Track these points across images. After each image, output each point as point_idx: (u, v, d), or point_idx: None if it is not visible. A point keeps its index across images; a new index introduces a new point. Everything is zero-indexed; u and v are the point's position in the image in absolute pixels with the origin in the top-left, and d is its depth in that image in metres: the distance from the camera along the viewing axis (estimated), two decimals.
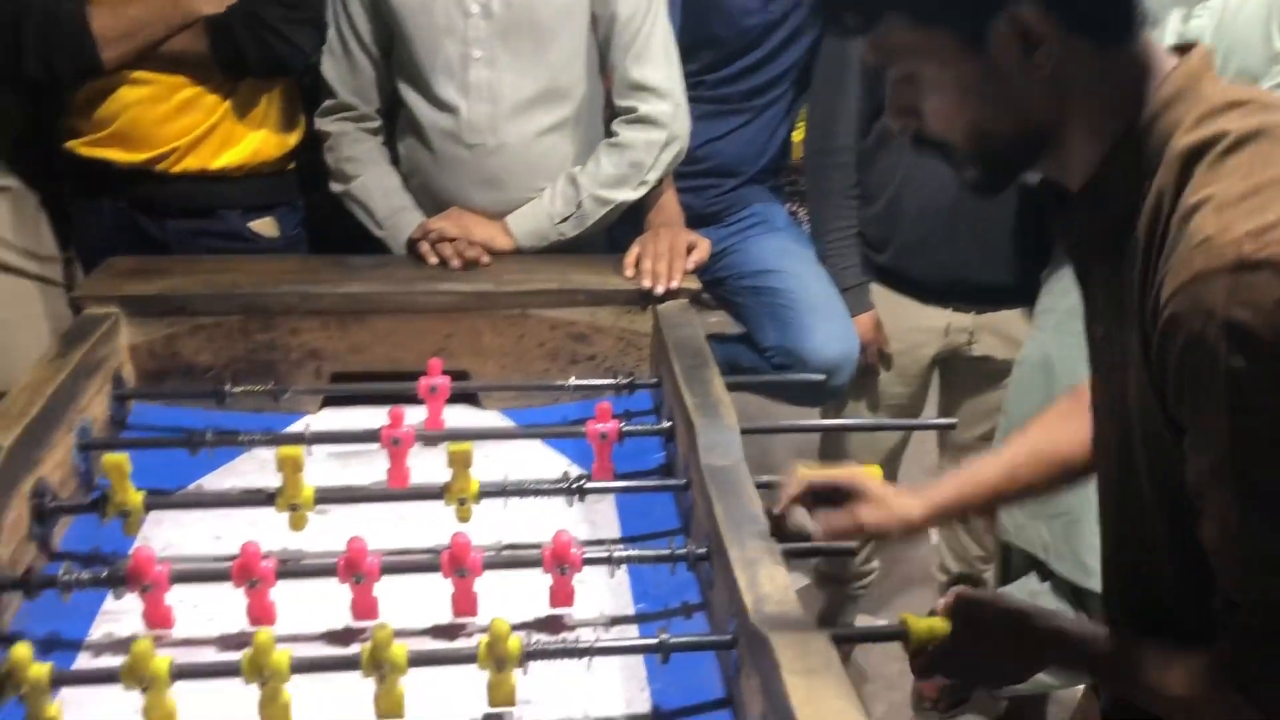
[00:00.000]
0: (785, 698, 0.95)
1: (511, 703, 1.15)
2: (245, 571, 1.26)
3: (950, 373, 2.48)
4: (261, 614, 1.28)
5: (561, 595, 1.32)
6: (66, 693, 1.17)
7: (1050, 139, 0.97)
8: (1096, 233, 0.99)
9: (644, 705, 1.20)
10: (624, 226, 2.05)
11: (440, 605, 1.31)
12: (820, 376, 2.09)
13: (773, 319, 2.24)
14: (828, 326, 2.21)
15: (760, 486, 1.38)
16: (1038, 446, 1.24)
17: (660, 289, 1.84)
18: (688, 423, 1.47)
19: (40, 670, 1.08)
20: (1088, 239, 1.01)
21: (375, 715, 1.13)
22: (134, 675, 1.09)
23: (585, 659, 1.16)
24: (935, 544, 2.85)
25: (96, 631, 1.30)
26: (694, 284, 1.89)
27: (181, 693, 1.14)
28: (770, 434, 2.25)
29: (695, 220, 2.14)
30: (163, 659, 1.10)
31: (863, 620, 2.83)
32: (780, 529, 1.24)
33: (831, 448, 2.56)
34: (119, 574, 1.26)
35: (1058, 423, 1.24)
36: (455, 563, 1.28)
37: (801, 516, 1.23)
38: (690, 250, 1.92)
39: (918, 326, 2.37)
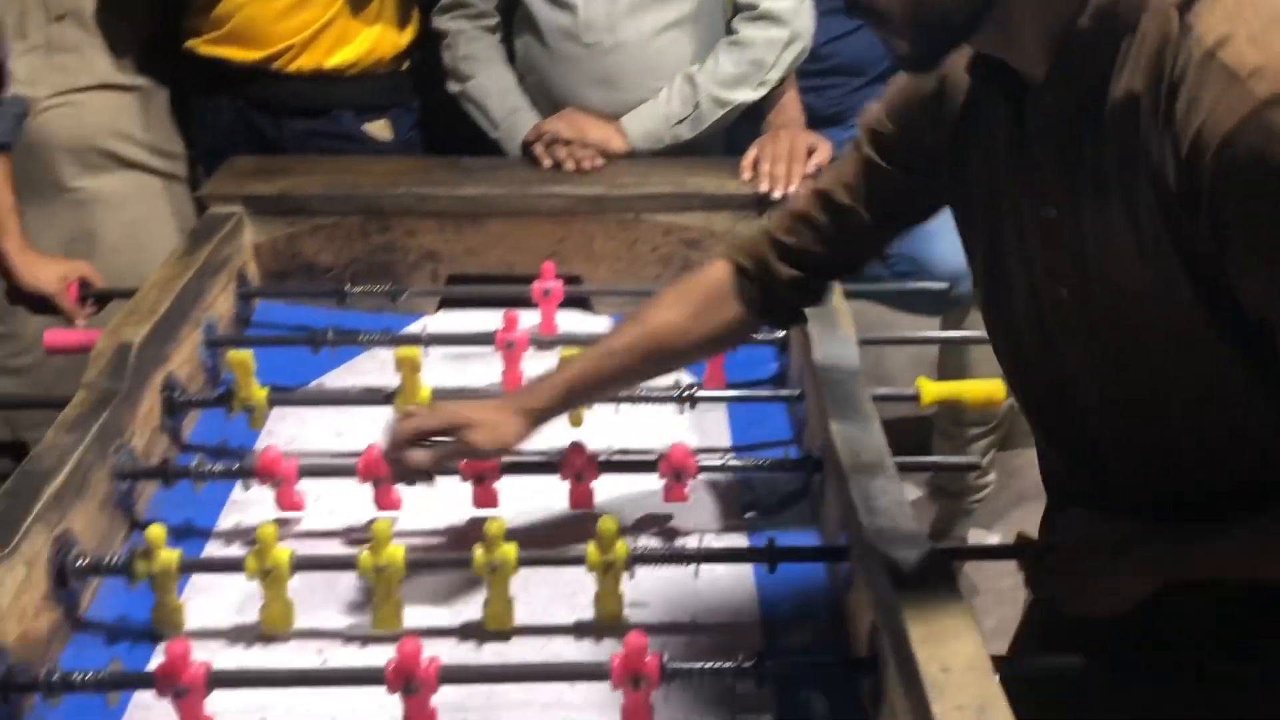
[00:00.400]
0: (896, 611, 0.94)
1: (618, 608, 1.16)
2: (370, 470, 1.28)
3: None
4: (388, 506, 1.31)
5: (675, 502, 1.32)
6: (196, 579, 1.22)
7: (993, 6, 0.89)
8: (1058, 106, 0.92)
9: (752, 614, 1.20)
10: (743, 128, 2.00)
11: (555, 509, 1.32)
12: (944, 285, 2.03)
13: None
14: (954, 233, 2.13)
15: (876, 399, 1.35)
16: (632, 337, 1.22)
17: (778, 193, 1.79)
18: (803, 332, 1.44)
19: (170, 556, 1.13)
20: (1048, 114, 0.94)
21: (484, 625, 1.16)
22: (257, 562, 1.12)
23: (692, 566, 1.16)
24: None
25: (225, 521, 1.35)
26: None
27: (299, 589, 1.18)
28: (889, 345, 2.20)
29: (817, 122, 2.07)
30: (283, 550, 1.14)
31: (975, 534, 2.78)
32: (400, 471, 1.24)
33: (951, 360, 2.49)
34: (248, 467, 1.30)
35: (658, 310, 1.22)
36: (572, 467, 1.29)
37: (418, 455, 1.22)
38: (811, 153, 1.86)
39: None
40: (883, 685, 0.99)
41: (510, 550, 1.13)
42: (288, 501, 1.32)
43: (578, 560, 1.15)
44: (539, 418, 1.24)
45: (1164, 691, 1.04)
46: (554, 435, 1.38)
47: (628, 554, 1.14)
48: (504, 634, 1.16)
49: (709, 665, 1.01)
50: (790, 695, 1.08)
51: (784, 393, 1.50)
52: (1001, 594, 2.72)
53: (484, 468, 1.28)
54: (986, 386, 1.41)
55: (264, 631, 1.15)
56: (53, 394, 1.33)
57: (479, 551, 1.13)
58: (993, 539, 2.76)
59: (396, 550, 1.13)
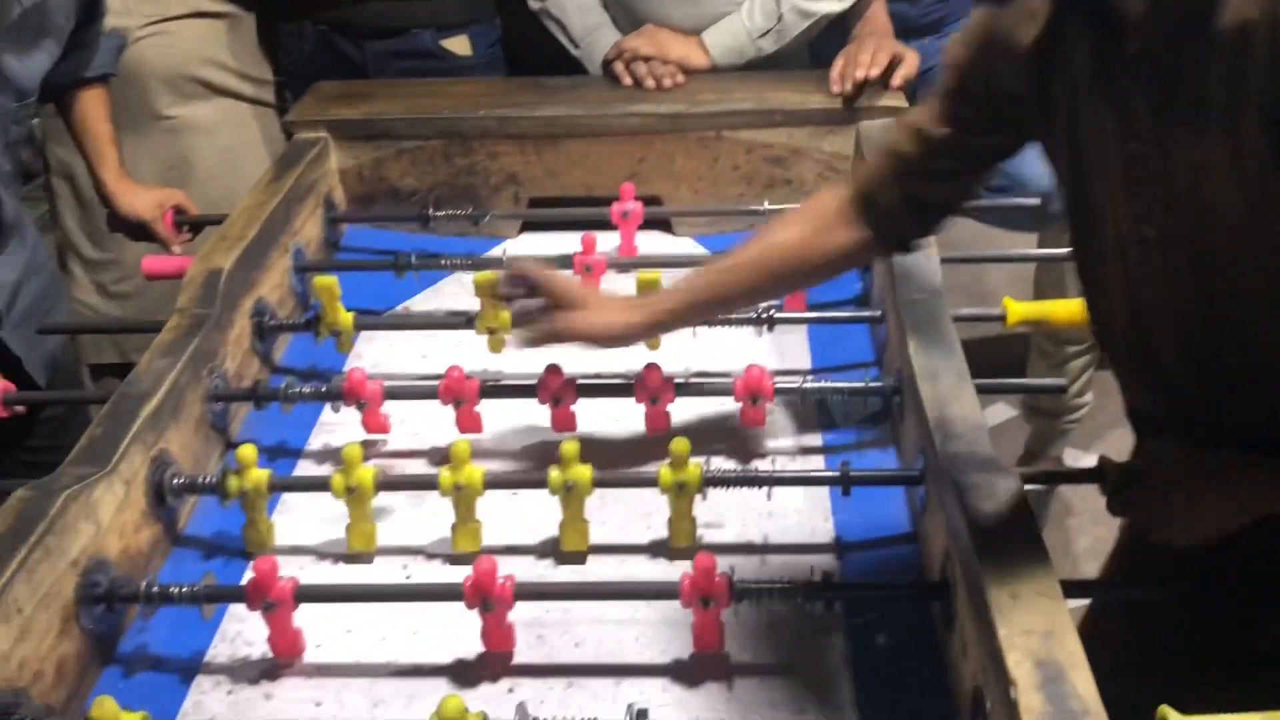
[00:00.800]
0: (967, 536, 0.93)
1: (691, 529, 1.17)
2: (452, 392, 1.31)
3: None
4: (470, 429, 1.34)
5: (751, 425, 1.32)
6: (286, 499, 1.27)
7: None
8: (1158, 37, 0.86)
9: (826, 535, 1.20)
10: (829, 41, 1.94)
11: (630, 431, 1.33)
12: (1035, 200, 1.96)
13: None
14: None
15: (959, 319, 1.32)
16: (759, 252, 1.21)
17: (863, 102, 1.74)
18: None
19: (260, 475, 1.18)
20: (1145, 45, 0.88)
21: (560, 546, 1.18)
22: (343, 480, 1.16)
23: (764, 489, 1.16)
24: None
25: (314, 442, 1.39)
26: (899, 100, 1.78)
27: (385, 508, 1.22)
28: (978, 263, 2.15)
29: (906, 33, 2.00)
30: (368, 469, 1.17)
31: (1071, 455, 2.73)
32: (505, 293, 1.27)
33: (1048, 277, 2.43)
34: (336, 389, 1.34)
35: (780, 229, 1.22)
36: (648, 388, 1.30)
37: (527, 302, 1.24)
38: (897, 64, 1.80)
39: None
40: (953, 610, 0.99)
41: (585, 471, 1.15)
42: (374, 424, 1.36)
43: (651, 482, 1.16)
44: (655, 324, 1.25)
45: (1247, 627, 1.02)
46: (631, 358, 1.39)
47: (700, 476, 1.14)
48: (579, 555, 1.18)
49: (778, 585, 1.01)
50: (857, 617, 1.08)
51: (865, 314, 1.48)
52: (1097, 514, 2.67)
53: (562, 390, 1.30)
54: (1074, 306, 1.37)
55: (349, 549, 1.19)
56: (155, 319, 1.38)
57: (554, 473, 1.15)
58: (1089, 460, 2.70)
59: (475, 471, 1.16)
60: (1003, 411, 3.00)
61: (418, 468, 1.33)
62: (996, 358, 2.73)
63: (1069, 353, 2.50)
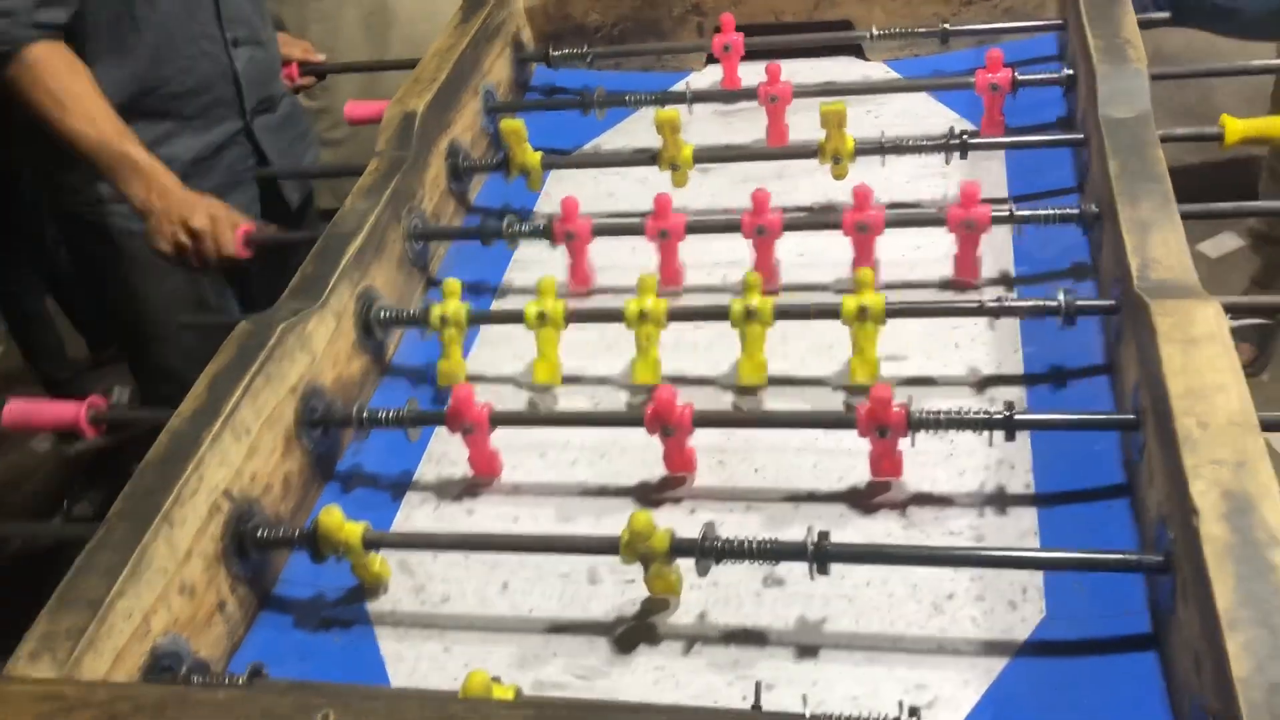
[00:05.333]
0: (1159, 367, 0.89)
1: (874, 369, 1.16)
2: (658, 223, 1.32)
3: None
4: (669, 274, 1.34)
5: (965, 265, 1.28)
6: (485, 331, 1.34)
7: None
8: None
9: (1016, 366, 1.18)
10: None
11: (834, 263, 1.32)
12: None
13: None
14: None
15: (1172, 139, 1.24)
16: None
17: None
18: (1089, 69, 1.33)
19: (460, 308, 1.24)
20: None
21: (738, 382, 1.20)
22: (536, 308, 1.21)
23: (949, 318, 1.14)
24: None
25: (511, 279, 1.44)
26: None
27: (577, 342, 1.26)
28: (1198, 78, 1.97)
29: None
30: (559, 301, 1.22)
31: None
32: None
33: None
34: (545, 226, 1.36)
35: None
36: (856, 218, 1.27)
37: None
38: None
39: None
40: (1143, 439, 0.96)
41: (767, 303, 1.15)
42: (579, 273, 1.37)
43: (834, 313, 1.15)
44: None
45: None
46: (817, 188, 1.36)
47: (883, 307, 1.13)
48: (758, 387, 1.19)
49: (956, 415, 1.01)
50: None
51: (1063, 136, 1.40)
52: None
53: (767, 222, 1.29)
54: None
55: (535, 380, 1.24)
56: (363, 163, 1.45)
57: (736, 303, 1.16)
58: None
59: (660, 303, 1.18)
60: (1229, 241, 2.80)
61: (607, 303, 1.37)
62: (1224, 183, 2.54)
63: None
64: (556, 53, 1.73)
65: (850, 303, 1.13)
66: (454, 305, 1.24)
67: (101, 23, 1.63)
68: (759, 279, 1.16)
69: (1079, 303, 1.14)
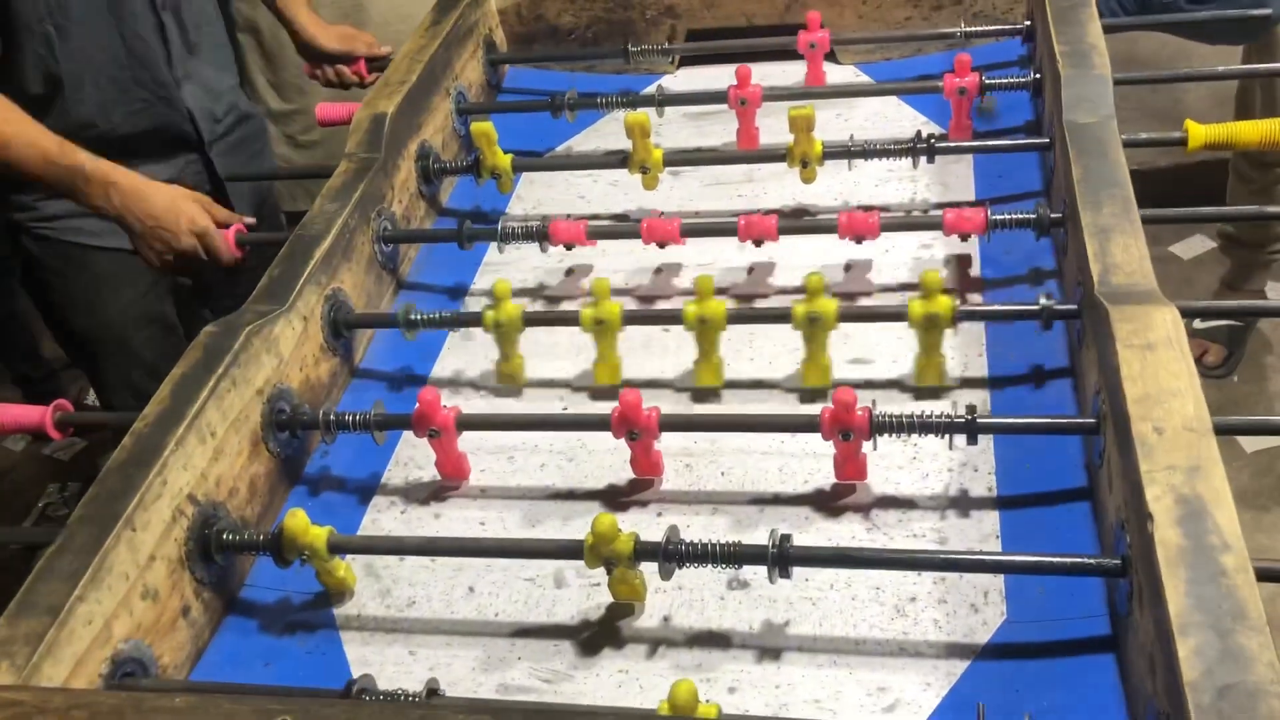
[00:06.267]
0: (1117, 372, 0.90)
1: (826, 377, 1.17)
2: (653, 234, 1.32)
3: None
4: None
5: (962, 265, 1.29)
6: (452, 334, 1.34)
7: None
8: None
9: (980, 370, 1.19)
10: None
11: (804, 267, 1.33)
12: (1266, 11, 1.78)
13: None
14: None
15: (1137, 144, 1.25)
16: None
17: None
18: (1055, 73, 1.34)
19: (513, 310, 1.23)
20: None
21: (695, 384, 1.21)
22: (494, 314, 1.21)
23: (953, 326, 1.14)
24: None
25: (480, 281, 1.44)
26: None
27: (544, 344, 1.26)
28: (1164, 84, 1.99)
29: None
30: (515, 305, 1.22)
31: (1276, 291, 2.56)
32: None
33: (1253, 96, 2.24)
34: (540, 230, 1.35)
35: None
36: (853, 229, 1.27)
37: None
38: None
39: None
40: (1104, 446, 0.97)
41: (719, 306, 1.16)
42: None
43: (785, 318, 1.15)
44: None
45: None
46: (786, 191, 1.37)
47: (835, 313, 1.13)
48: (715, 390, 1.20)
49: (919, 419, 1.01)
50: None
51: (1028, 140, 1.41)
52: None
53: (762, 226, 1.30)
54: (1264, 127, 1.27)
55: (499, 380, 1.24)
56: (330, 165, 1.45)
57: (689, 309, 1.16)
58: None
59: (614, 306, 1.19)
60: (1200, 244, 2.82)
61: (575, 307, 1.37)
62: (1193, 185, 2.56)
63: (1278, 174, 2.31)
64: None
65: (800, 309, 1.14)
66: (507, 308, 1.23)
67: (32, 88, 1.61)
68: (710, 282, 1.17)
69: (1036, 306, 1.14)
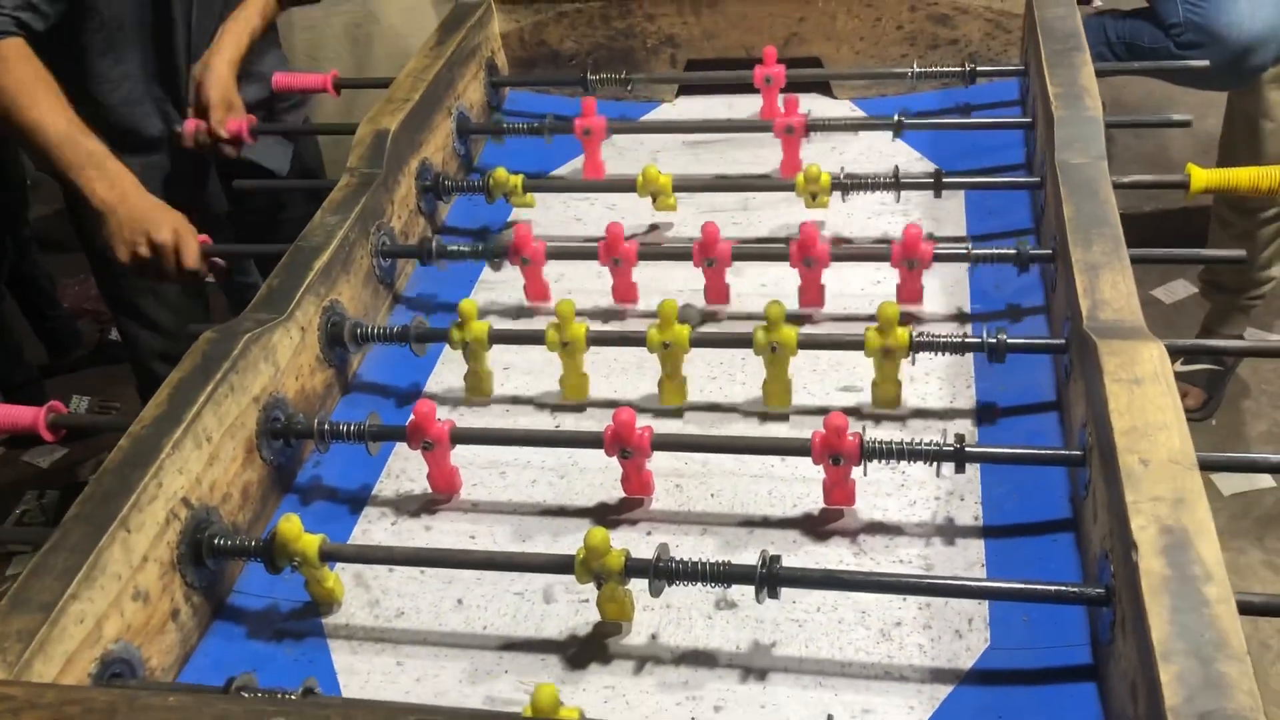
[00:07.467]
0: (1105, 405, 0.92)
1: (786, 398, 1.19)
2: (610, 250, 1.35)
3: None
4: (625, 292, 1.37)
5: (908, 291, 1.32)
6: (446, 349, 1.35)
7: None
8: None
9: (968, 401, 1.20)
10: None
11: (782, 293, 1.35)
12: (1239, 49, 1.81)
13: None
14: None
15: (1131, 186, 1.28)
16: None
17: None
18: (1048, 114, 1.37)
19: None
20: None
21: (660, 403, 1.23)
22: (459, 334, 1.23)
23: (910, 356, 1.16)
24: None
25: (476, 296, 1.46)
26: None
27: (525, 366, 1.27)
28: (1152, 128, 2.03)
29: None
30: (482, 324, 1.23)
31: (1253, 336, 2.60)
32: None
33: (1238, 140, 2.28)
34: (497, 248, 1.38)
35: None
36: (803, 253, 1.30)
37: None
38: None
39: None
40: (1090, 477, 0.98)
41: (683, 331, 1.18)
42: (535, 289, 1.40)
43: (746, 343, 1.17)
44: None
45: None
46: (780, 218, 1.39)
47: (796, 340, 1.15)
48: (678, 410, 1.22)
49: (909, 446, 1.03)
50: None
51: (1022, 179, 1.44)
52: (1276, 396, 2.56)
53: (716, 253, 1.31)
54: (1270, 173, 1.29)
55: (466, 397, 1.26)
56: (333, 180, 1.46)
57: (654, 332, 1.18)
58: (1273, 340, 2.57)
59: (579, 327, 1.21)
60: (1182, 289, 2.87)
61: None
62: (1175, 230, 2.60)
63: (1259, 220, 2.36)
64: (597, 76, 1.73)
65: (761, 335, 1.16)
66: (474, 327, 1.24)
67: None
68: (674, 306, 1.18)
69: (1024, 341, 1.16)
